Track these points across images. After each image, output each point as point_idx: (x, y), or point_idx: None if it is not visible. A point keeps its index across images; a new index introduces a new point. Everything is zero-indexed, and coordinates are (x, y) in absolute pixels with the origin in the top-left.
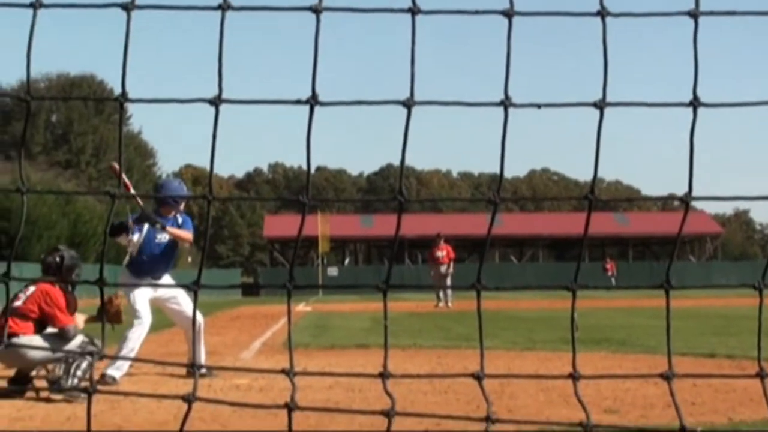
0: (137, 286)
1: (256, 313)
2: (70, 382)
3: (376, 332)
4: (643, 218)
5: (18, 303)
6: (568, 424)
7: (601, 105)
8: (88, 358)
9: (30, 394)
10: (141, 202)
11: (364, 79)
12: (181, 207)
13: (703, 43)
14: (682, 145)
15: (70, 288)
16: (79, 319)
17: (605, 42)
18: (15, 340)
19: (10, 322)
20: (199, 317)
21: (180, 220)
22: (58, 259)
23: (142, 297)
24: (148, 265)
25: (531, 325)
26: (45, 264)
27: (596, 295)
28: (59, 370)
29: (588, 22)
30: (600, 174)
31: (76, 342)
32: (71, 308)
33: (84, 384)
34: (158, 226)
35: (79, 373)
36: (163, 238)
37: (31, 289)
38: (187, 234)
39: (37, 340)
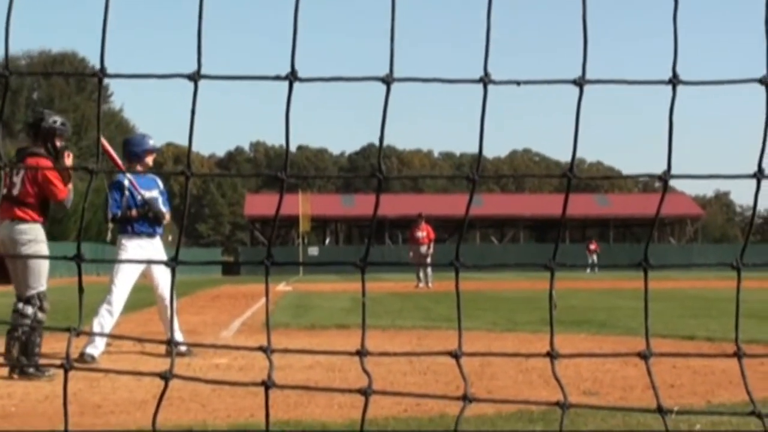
0: (119, 262)
1: (236, 293)
2: (33, 370)
3: (357, 312)
4: (623, 200)
5: (15, 192)
6: (545, 403)
7: (580, 82)
8: (39, 331)
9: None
10: (131, 178)
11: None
12: (150, 161)
13: (683, 20)
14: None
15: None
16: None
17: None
18: (20, 226)
19: (17, 211)
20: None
21: (159, 183)
22: (37, 121)
23: (125, 269)
24: (139, 221)
25: (512, 306)
26: (26, 126)
27: (577, 276)
28: (15, 351)
29: None
30: (581, 155)
31: (35, 292)
32: (65, 179)
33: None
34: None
35: (36, 350)
36: (147, 193)
37: (22, 172)
38: (164, 212)
39: (42, 250)
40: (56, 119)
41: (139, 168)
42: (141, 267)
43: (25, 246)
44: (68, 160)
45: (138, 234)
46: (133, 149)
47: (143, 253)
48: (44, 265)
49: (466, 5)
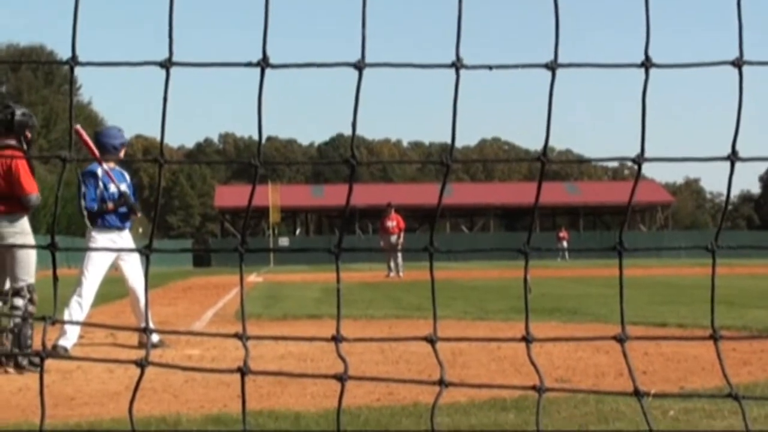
0: (93, 250)
1: (208, 284)
2: (26, 362)
3: (328, 302)
4: (593, 187)
5: None
6: (522, 387)
7: (552, 66)
8: (30, 323)
9: None
10: (105, 166)
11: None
12: (121, 154)
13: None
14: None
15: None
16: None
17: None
18: (6, 219)
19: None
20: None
21: (126, 177)
22: (8, 116)
23: (96, 261)
24: (111, 214)
25: (482, 295)
26: None
27: (548, 264)
28: (8, 343)
29: None
30: (551, 143)
31: (24, 284)
32: (32, 172)
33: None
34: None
35: (29, 342)
36: (116, 188)
37: None
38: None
39: (29, 241)
40: (24, 111)
41: (111, 161)
42: (111, 259)
43: (12, 238)
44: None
45: (109, 227)
46: (110, 141)
47: (114, 246)
48: (33, 257)
49: None
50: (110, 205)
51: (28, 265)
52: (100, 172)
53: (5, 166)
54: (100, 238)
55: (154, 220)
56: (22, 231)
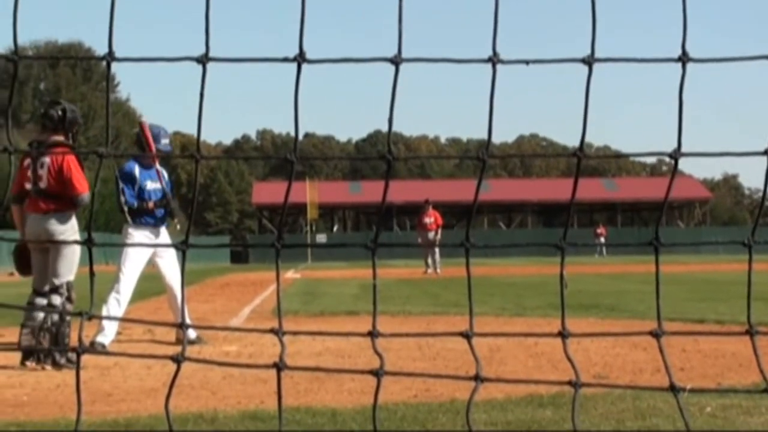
0: (130, 246)
1: (245, 281)
2: (64, 359)
3: (365, 299)
4: (631, 183)
5: (43, 185)
6: (558, 383)
7: (589, 61)
8: (67, 320)
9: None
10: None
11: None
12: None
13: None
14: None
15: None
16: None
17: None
18: (55, 217)
19: (42, 204)
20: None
21: (165, 174)
22: (60, 112)
23: (132, 257)
24: (149, 212)
25: (520, 291)
26: (47, 117)
27: (585, 261)
28: (45, 342)
29: None
30: (588, 139)
31: (63, 281)
32: (82, 169)
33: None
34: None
35: (66, 341)
36: (156, 185)
37: (45, 162)
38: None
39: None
40: (73, 108)
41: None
42: (148, 255)
43: (63, 236)
44: None
45: (145, 225)
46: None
47: (149, 243)
48: (77, 255)
49: None
50: (150, 204)
51: (72, 263)
52: (137, 171)
53: (57, 164)
54: (137, 235)
55: (190, 217)
56: (72, 227)
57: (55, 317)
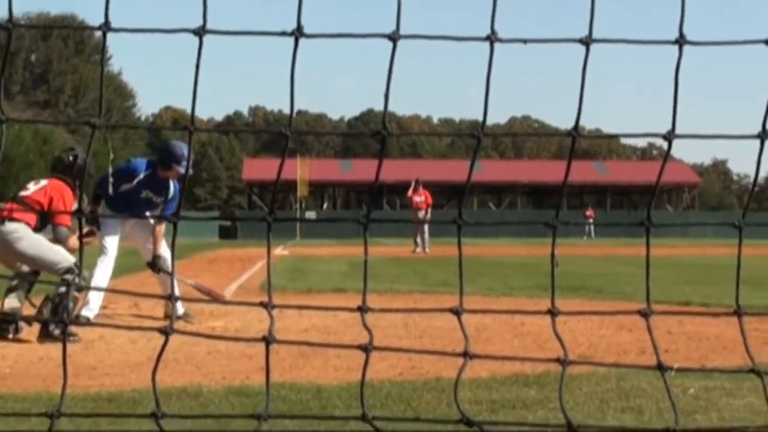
0: (115, 217)
1: (233, 256)
2: (58, 331)
3: (354, 276)
4: (621, 167)
5: (25, 192)
6: (544, 360)
7: (587, 41)
8: (72, 296)
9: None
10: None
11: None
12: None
13: None
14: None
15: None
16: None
17: None
18: (8, 226)
19: (12, 206)
20: (167, 255)
21: (172, 188)
22: (71, 158)
23: (112, 233)
24: (128, 208)
25: (508, 271)
26: (58, 160)
27: (573, 243)
28: (46, 312)
29: None
30: (581, 122)
31: (65, 265)
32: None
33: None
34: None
35: (66, 315)
36: (149, 196)
37: (43, 182)
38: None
39: (35, 238)
40: (86, 159)
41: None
42: (123, 227)
43: (20, 242)
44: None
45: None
46: (169, 156)
47: (124, 222)
48: (48, 246)
49: None
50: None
51: (53, 251)
52: (142, 176)
53: (52, 192)
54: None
55: (181, 191)
56: (24, 235)
57: (62, 289)
